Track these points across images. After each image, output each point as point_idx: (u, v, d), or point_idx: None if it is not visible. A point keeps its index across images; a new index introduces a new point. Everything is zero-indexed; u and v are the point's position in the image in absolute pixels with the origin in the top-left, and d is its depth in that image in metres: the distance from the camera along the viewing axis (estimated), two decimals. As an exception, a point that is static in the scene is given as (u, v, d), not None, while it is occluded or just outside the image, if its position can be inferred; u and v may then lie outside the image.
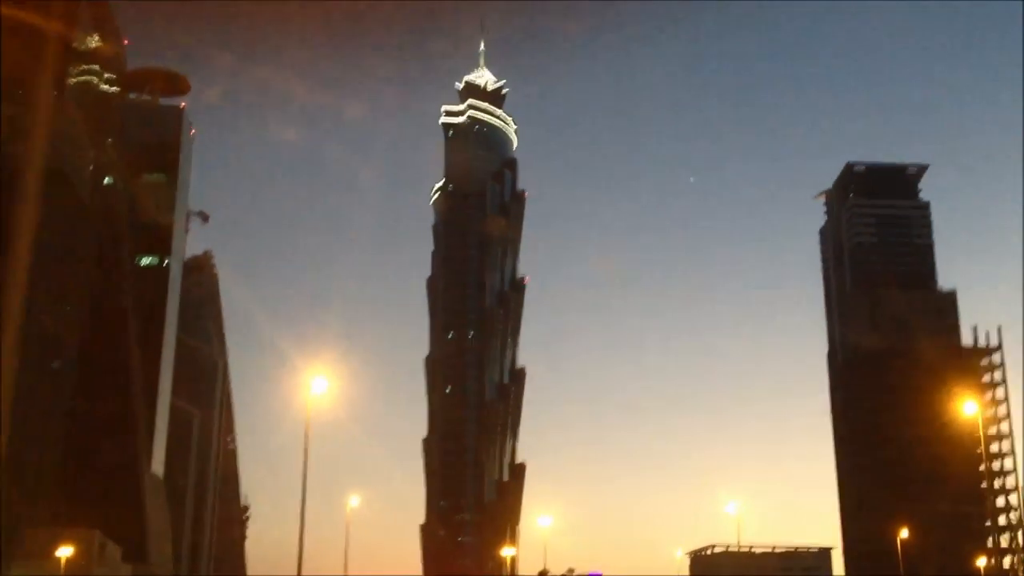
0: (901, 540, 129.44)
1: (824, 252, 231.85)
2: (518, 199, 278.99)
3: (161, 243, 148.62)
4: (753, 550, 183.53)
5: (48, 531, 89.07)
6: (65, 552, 77.63)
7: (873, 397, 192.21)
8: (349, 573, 59.72)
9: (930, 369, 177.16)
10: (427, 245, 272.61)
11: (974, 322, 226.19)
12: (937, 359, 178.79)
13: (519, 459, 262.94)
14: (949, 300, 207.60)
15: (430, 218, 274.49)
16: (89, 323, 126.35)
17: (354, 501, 62.58)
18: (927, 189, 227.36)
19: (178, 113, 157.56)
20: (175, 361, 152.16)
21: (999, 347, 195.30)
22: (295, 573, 47.10)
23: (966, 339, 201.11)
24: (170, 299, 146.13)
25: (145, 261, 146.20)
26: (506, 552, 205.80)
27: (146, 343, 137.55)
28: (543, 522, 64.81)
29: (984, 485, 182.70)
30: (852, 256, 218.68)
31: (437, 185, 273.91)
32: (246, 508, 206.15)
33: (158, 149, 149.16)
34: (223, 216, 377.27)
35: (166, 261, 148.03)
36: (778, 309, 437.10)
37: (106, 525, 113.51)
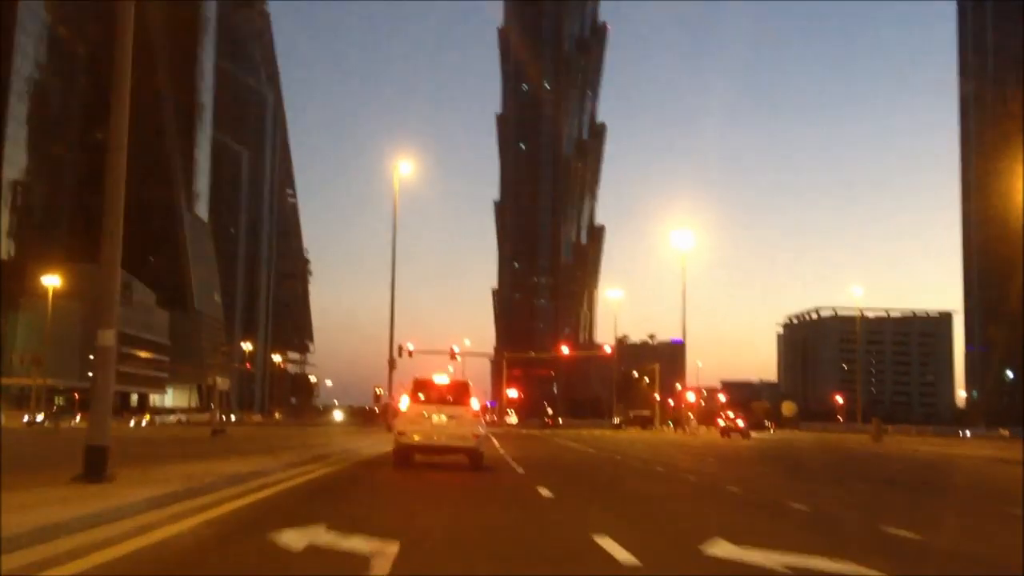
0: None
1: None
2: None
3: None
4: (865, 314, 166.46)
5: (52, 267, 73.44)
6: (52, 282, 62.11)
7: (1010, 149, 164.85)
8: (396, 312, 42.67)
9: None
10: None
11: None
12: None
13: (598, 221, 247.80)
14: None
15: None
16: (103, 37, 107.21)
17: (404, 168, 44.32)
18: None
19: None
20: (220, 97, 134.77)
21: None
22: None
23: None
24: (204, 18, 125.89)
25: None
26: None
27: (179, 67, 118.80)
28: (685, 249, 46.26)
29: None
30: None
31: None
32: (307, 262, 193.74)
33: None
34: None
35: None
36: (904, 59, 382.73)
37: (138, 268, 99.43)
